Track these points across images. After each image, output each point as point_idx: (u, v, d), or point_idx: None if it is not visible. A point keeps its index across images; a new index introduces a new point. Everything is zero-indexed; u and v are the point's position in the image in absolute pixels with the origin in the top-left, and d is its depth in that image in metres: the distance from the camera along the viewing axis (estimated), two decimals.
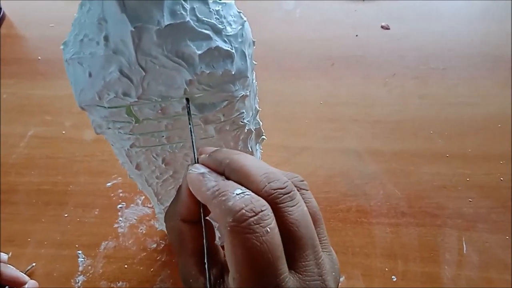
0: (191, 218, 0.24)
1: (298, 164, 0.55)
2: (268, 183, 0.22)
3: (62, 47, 0.26)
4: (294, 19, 0.73)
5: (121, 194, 0.53)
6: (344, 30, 0.70)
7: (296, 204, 0.22)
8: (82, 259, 0.48)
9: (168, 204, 0.38)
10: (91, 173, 0.55)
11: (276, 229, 0.21)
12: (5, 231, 0.51)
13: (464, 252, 0.47)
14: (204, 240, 0.24)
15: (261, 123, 0.35)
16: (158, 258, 0.48)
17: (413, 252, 0.47)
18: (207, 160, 0.24)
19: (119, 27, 0.23)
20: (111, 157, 0.56)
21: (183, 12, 0.24)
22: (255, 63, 0.29)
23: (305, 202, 0.23)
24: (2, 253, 0.47)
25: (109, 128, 0.28)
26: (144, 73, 0.24)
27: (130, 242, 0.49)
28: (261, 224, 0.20)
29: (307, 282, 0.21)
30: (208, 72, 0.25)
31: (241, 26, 0.26)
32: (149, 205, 0.52)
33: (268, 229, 0.20)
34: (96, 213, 0.52)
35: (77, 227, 0.51)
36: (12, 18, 0.75)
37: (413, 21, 0.71)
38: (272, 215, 0.21)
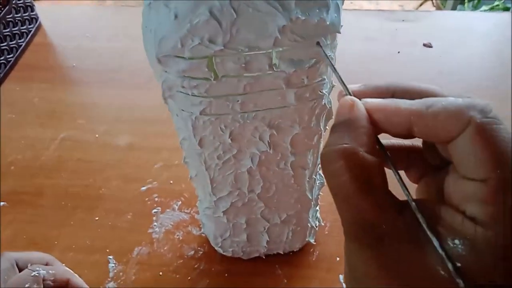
0: (372, 150, 0.19)
1: None
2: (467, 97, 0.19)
3: None
4: None
5: (156, 199, 0.50)
6: (385, 48, 0.69)
7: None
8: (113, 265, 0.44)
9: (222, 195, 0.35)
10: (124, 178, 0.52)
11: None
12: (29, 234, 0.47)
13: None
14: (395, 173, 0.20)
15: (332, 103, 0.32)
16: (196, 266, 0.44)
17: None
18: (364, 89, 0.22)
19: None
20: (146, 163, 0.53)
21: None
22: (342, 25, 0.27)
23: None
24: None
25: (183, 87, 0.26)
26: (235, 16, 0.22)
27: (165, 248, 0.45)
28: (499, 120, 0.17)
29: None
30: (303, 18, 0.23)
31: None
32: (186, 211, 0.48)
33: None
34: (129, 217, 0.48)
35: (108, 231, 0.47)
36: (47, 28, 0.74)
37: (454, 39, 0.70)
38: None
